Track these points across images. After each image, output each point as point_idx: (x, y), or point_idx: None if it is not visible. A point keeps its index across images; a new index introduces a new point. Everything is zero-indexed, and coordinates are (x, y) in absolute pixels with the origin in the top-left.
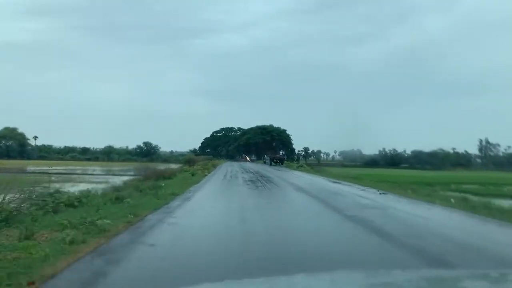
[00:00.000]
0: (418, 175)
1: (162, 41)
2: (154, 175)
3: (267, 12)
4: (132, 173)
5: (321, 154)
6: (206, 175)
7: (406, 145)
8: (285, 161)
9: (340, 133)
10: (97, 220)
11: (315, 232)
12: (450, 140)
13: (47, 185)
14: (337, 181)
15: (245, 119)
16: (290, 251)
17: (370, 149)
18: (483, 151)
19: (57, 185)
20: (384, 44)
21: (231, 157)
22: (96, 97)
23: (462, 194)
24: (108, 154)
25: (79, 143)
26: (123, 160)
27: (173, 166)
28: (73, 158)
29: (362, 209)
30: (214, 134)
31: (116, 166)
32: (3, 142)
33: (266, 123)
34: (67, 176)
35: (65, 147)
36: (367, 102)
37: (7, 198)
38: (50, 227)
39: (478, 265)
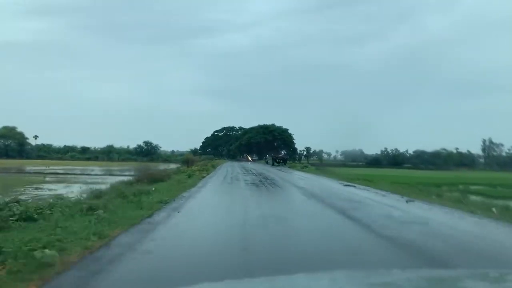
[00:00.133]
0: (424, 176)
1: (163, 41)
2: (146, 177)
3: (269, 12)
4: (128, 173)
5: (323, 154)
6: (204, 177)
7: (407, 145)
8: (288, 161)
9: (341, 133)
10: (43, 247)
11: (349, 264)
12: (452, 140)
13: (38, 185)
14: (349, 183)
15: (246, 119)
16: None
17: (372, 149)
18: (486, 151)
19: (49, 186)
20: (386, 43)
21: (232, 156)
22: (97, 97)
23: (493, 200)
24: (108, 154)
25: (81, 143)
26: (123, 160)
27: (173, 166)
28: (73, 158)
29: (398, 226)
30: (215, 133)
31: (115, 166)
32: (2, 141)
33: (267, 122)
34: (63, 177)
35: (64, 146)
36: (368, 102)
37: None
38: None
39: None
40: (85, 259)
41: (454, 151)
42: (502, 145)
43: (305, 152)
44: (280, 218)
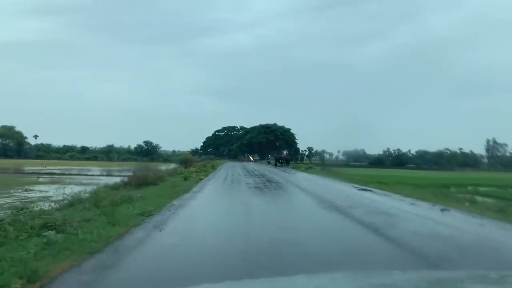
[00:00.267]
0: (429, 176)
1: (164, 41)
2: (135, 180)
3: (270, 12)
4: (126, 173)
5: (325, 154)
6: (201, 179)
7: (408, 145)
8: (291, 162)
9: (342, 133)
10: None
11: None
12: (454, 140)
13: (30, 187)
14: (364, 187)
15: (248, 119)
16: None
17: (373, 149)
18: (490, 151)
19: (41, 187)
20: (387, 43)
21: (234, 156)
22: (97, 97)
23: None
24: (108, 154)
25: (81, 143)
26: (123, 160)
27: (174, 165)
28: (72, 158)
29: (463, 254)
30: (216, 133)
31: (113, 166)
32: (0, 140)
33: (269, 122)
34: (57, 177)
35: (64, 146)
36: (370, 102)
37: None
38: None
39: None
40: None
41: (458, 151)
42: (506, 145)
43: (307, 152)
44: (297, 244)
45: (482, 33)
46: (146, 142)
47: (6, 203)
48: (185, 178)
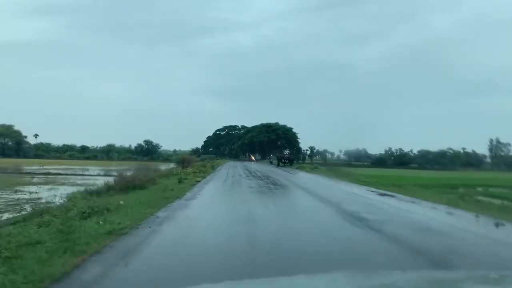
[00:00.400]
0: (434, 177)
1: (164, 41)
2: (121, 183)
3: (271, 11)
4: (124, 173)
5: (326, 154)
6: (198, 181)
7: (410, 145)
8: (294, 162)
9: (344, 133)
10: None
11: None
12: (456, 140)
13: (22, 187)
14: (384, 192)
15: (249, 118)
16: None
17: (375, 149)
18: (493, 151)
19: (33, 188)
20: (389, 42)
21: (235, 156)
22: (97, 97)
23: None
24: (108, 153)
25: (81, 142)
26: (123, 159)
27: (173, 165)
28: (71, 157)
29: None
30: (217, 132)
31: (113, 166)
32: None
33: (270, 121)
34: (53, 177)
35: (63, 145)
36: (371, 101)
37: None
38: None
39: None
40: None
41: (461, 151)
42: (509, 144)
43: (308, 152)
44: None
45: (482, 33)
46: (147, 142)
47: None
48: (180, 181)
